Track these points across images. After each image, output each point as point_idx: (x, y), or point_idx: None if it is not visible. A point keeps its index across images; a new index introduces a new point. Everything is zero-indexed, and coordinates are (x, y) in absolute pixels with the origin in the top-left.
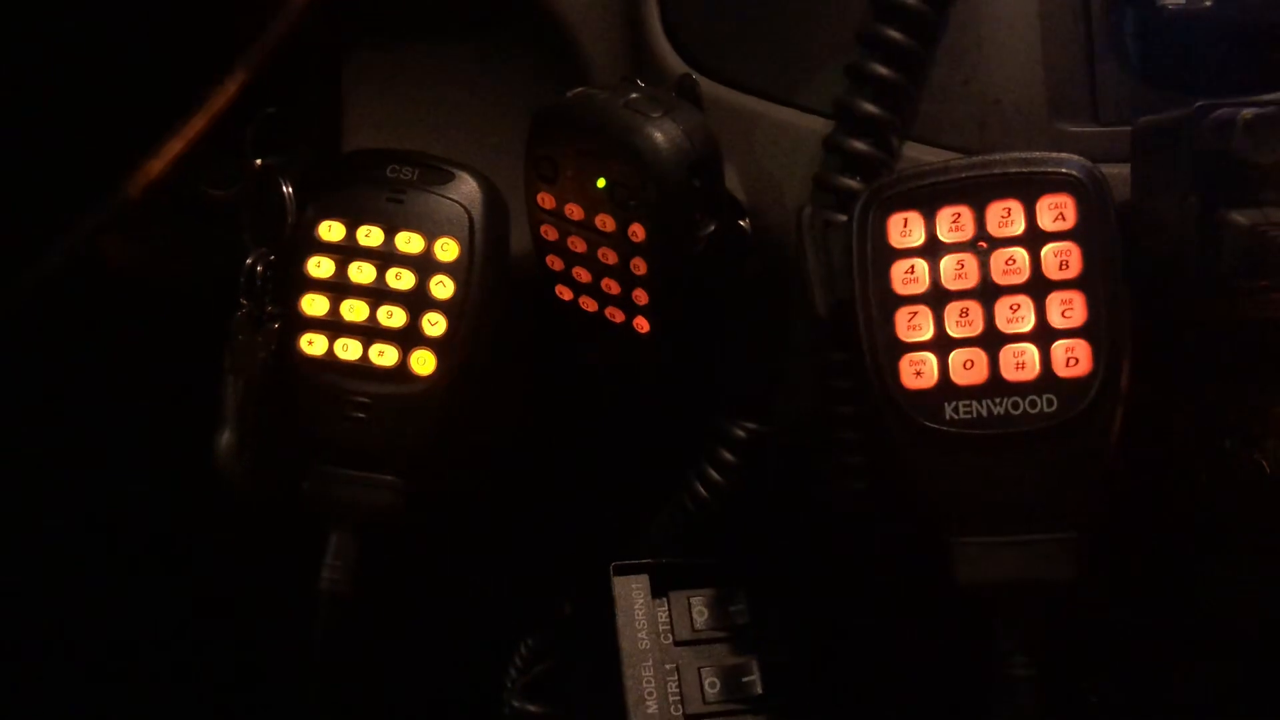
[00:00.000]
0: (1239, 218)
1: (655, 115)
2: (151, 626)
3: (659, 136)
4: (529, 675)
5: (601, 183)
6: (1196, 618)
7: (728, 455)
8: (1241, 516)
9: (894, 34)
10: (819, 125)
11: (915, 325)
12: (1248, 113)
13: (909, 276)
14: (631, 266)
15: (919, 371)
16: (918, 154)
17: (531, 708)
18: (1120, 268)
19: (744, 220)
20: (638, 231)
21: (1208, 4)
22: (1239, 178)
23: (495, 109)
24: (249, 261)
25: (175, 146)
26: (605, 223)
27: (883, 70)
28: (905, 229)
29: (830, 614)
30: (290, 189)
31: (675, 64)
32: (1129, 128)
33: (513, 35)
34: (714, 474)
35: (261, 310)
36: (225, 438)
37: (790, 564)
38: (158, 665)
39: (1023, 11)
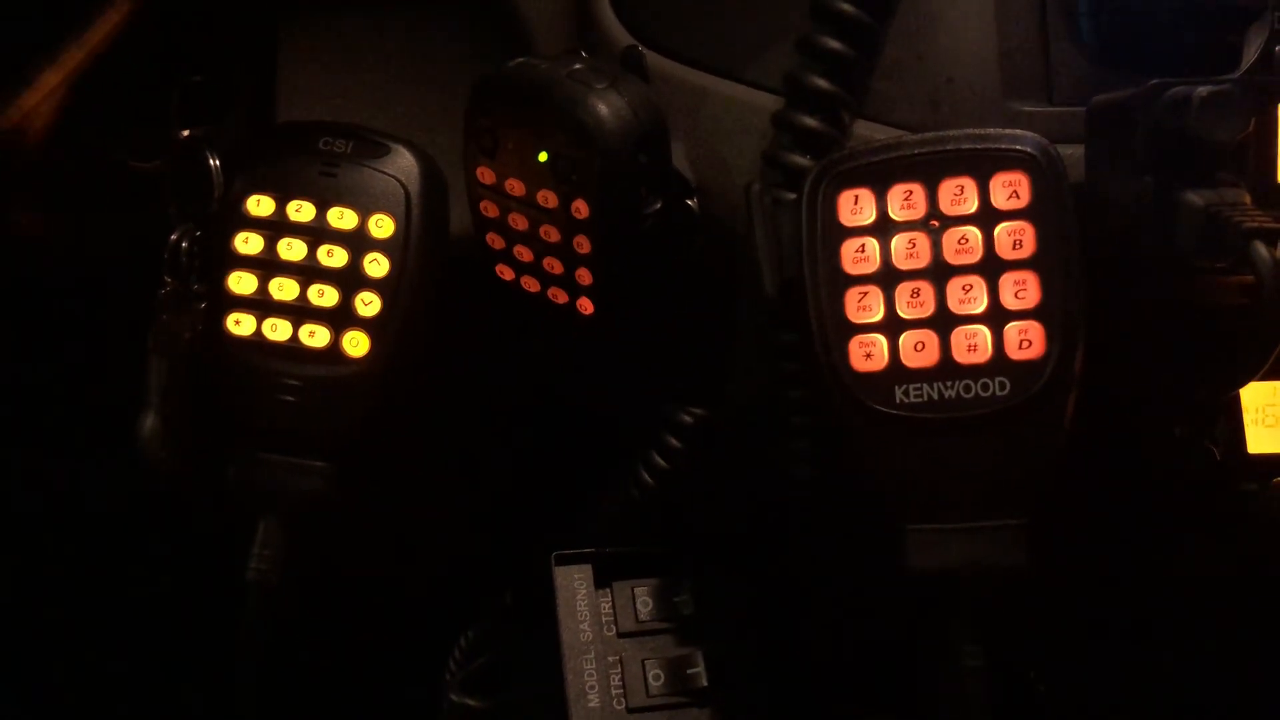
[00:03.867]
0: (1194, 198)
1: (600, 86)
2: (73, 617)
3: (604, 108)
4: (469, 668)
5: (543, 156)
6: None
7: (674, 441)
8: (1193, 502)
9: (846, 7)
10: (768, 101)
11: (865, 306)
12: (1203, 90)
13: (859, 255)
14: (574, 245)
15: (869, 354)
16: (869, 132)
17: (471, 701)
18: (1075, 248)
19: (691, 199)
20: (581, 208)
21: None
22: (1194, 157)
23: (433, 81)
24: (173, 237)
25: (50, 79)
26: (547, 198)
27: (835, 44)
28: (856, 206)
29: (777, 604)
30: (217, 161)
31: (620, 36)
32: (1083, 108)
33: (452, 4)
34: (660, 460)
35: (187, 288)
36: (148, 421)
37: (736, 553)
38: (82, 657)
39: None
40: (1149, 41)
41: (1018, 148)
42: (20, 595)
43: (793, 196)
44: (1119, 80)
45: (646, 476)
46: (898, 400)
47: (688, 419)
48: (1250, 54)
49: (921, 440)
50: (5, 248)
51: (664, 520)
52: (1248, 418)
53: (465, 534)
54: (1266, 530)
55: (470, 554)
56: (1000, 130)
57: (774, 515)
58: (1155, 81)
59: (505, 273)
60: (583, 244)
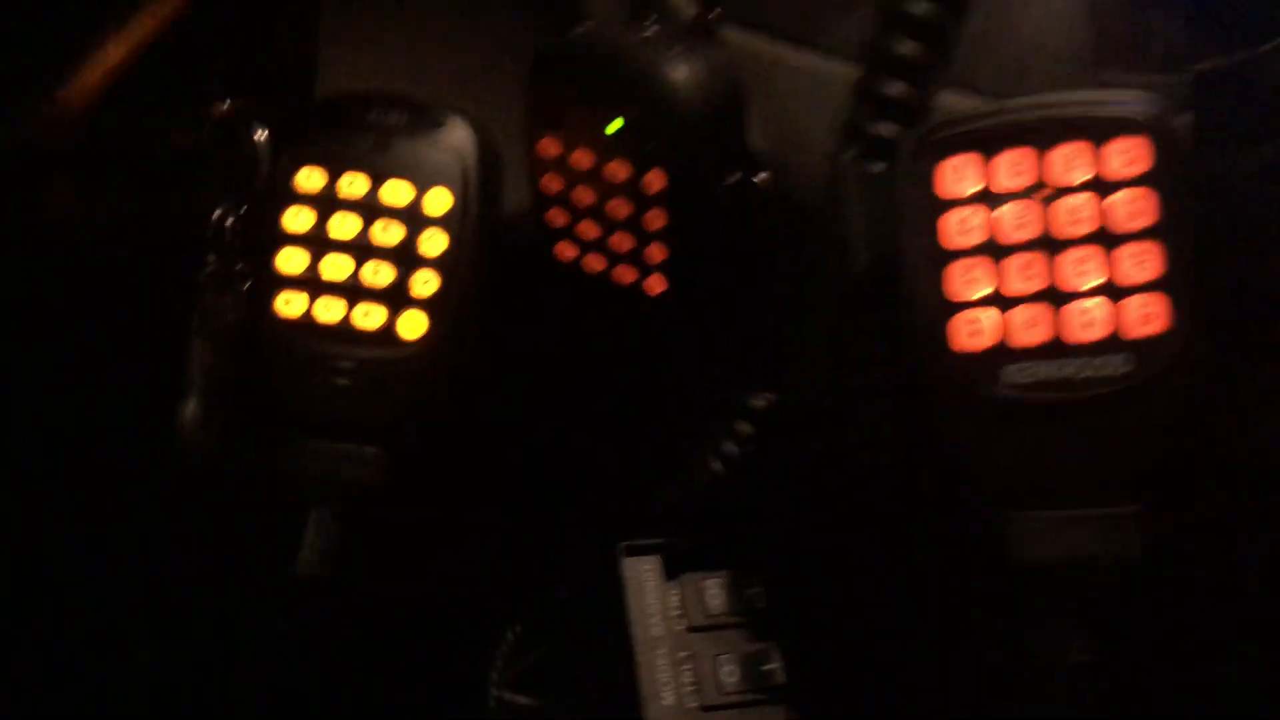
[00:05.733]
0: None
1: (676, 52)
2: (115, 612)
3: (681, 74)
4: (519, 664)
5: (615, 126)
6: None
7: (744, 427)
8: None
9: None
10: (844, 70)
11: (971, 280)
12: None
13: (962, 228)
14: (646, 220)
15: (973, 332)
16: (954, 102)
17: (522, 699)
18: (1195, 216)
19: (762, 172)
20: (655, 180)
21: None
22: None
23: (480, 49)
24: (216, 214)
25: (115, 53)
26: (618, 171)
27: (923, 7)
28: (959, 176)
29: (854, 598)
30: (263, 135)
31: (684, 2)
32: (1176, 76)
33: None
34: (729, 447)
35: (231, 268)
36: (189, 407)
37: (809, 544)
38: (125, 655)
39: None
40: (1245, 5)
41: (1137, 110)
42: (53, 587)
43: (879, 168)
44: (1213, 47)
45: (715, 464)
46: (1004, 381)
47: (760, 404)
48: None
49: (1030, 424)
50: (43, 229)
51: (731, 511)
52: None
53: (518, 525)
54: None
55: (522, 546)
56: (1116, 92)
57: (847, 505)
58: (1274, 44)
59: (566, 251)
60: (656, 219)
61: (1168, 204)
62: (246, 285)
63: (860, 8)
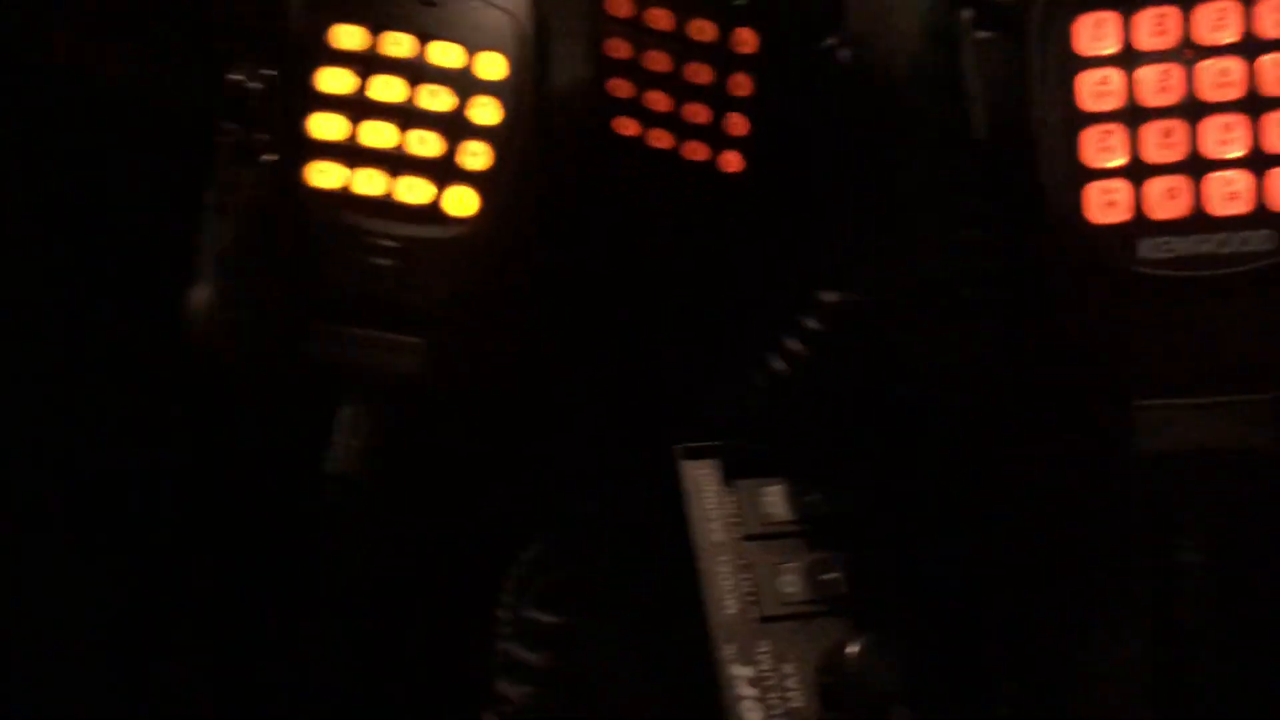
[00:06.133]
0: None
1: None
2: (121, 507)
3: None
4: (545, 580)
5: None
6: None
7: (813, 324)
8: None
9: None
10: None
11: (1107, 147)
12: None
13: (1101, 89)
14: (732, 86)
15: (1111, 202)
16: None
17: (545, 617)
18: None
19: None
20: (747, 40)
21: None
22: None
23: None
24: (234, 78)
25: None
26: (703, 30)
27: None
28: (1098, 33)
29: (922, 507)
30: None
31: None
32: None
33: None
34: (794, 345)
35: (252, 137)
36: (202, 293)
37: (874, 451)
38: (132, 554)
39: None
40: None
41: None
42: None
43: (987, 35)
44: None
45: (778, 363)
46: (1142, 256)
47: (831, 299)
48: None
49: (1167, 302)
50: (46, 78)
51: (795, 414)
52: None
53: (544, 431)
54: None
55: (551, 452)
56: None
57: (921, 408)
58: None
59: (627, 127)
60: (742, 84)
61: None
62: (271, 157)
63: None
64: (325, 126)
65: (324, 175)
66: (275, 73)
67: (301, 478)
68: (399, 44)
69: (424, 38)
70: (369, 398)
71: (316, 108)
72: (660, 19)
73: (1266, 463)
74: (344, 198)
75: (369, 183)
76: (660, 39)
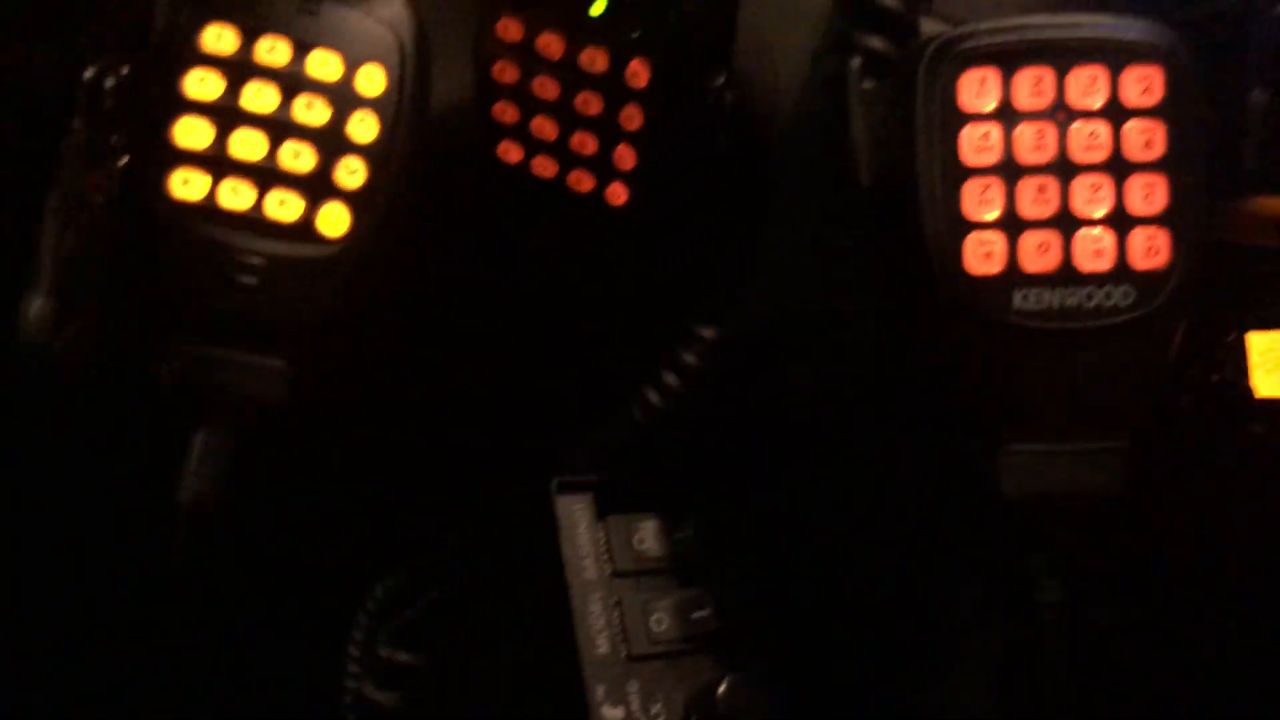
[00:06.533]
0: None
1: None
2: None
3: None
4: (402, 617)
5: (599, 7)
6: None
7: (691, 359)
8: (1228, 443)
9: None
10: None
11: (986, 201)
12: None
13: (982, 144)
14: (622, 118)
15: (988, 253)
16: (929, 29)
17: (404, 656)
18: (1204, 152)
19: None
20: (639, 73)
21: None
22: None
23: None
24: (89, 73)
25: None
26: (595, 60)
27: None
28: (980, 90)
29: (793, 541)
30: None
31: None
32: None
33: None
34: (672, 379)
35: (104, 138)
36: (36, 303)
37: (746, 485)
38: None
39: None
40: None
41: (1153, 39)
42: None
43: (870, 84)
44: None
45: (655, 398)
46: (1016, 307)
47: (708, 335)
48: None
49: (1036, 352)
50: None
51: (668, 447)
52: (1253, 361)
53: (411, 459)
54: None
55: (418, 481)
56: (1133, 19)
57: (794, 442)
58: None
59: (511, 153)
60: (632, 117)
61: (1176, 137)
62: (122, 160)
63: None
64: (191, 134)
65: (187, 186)
66: (135, 70)
67: (148, 506)
68: (275, 50)
69: (302, 46)
70: (227, 422)
71: (182, 112)
72: (551, 47)
73: (1119, 506)
74: (208, 211)
75: (236, 196)
76: (550, 66)
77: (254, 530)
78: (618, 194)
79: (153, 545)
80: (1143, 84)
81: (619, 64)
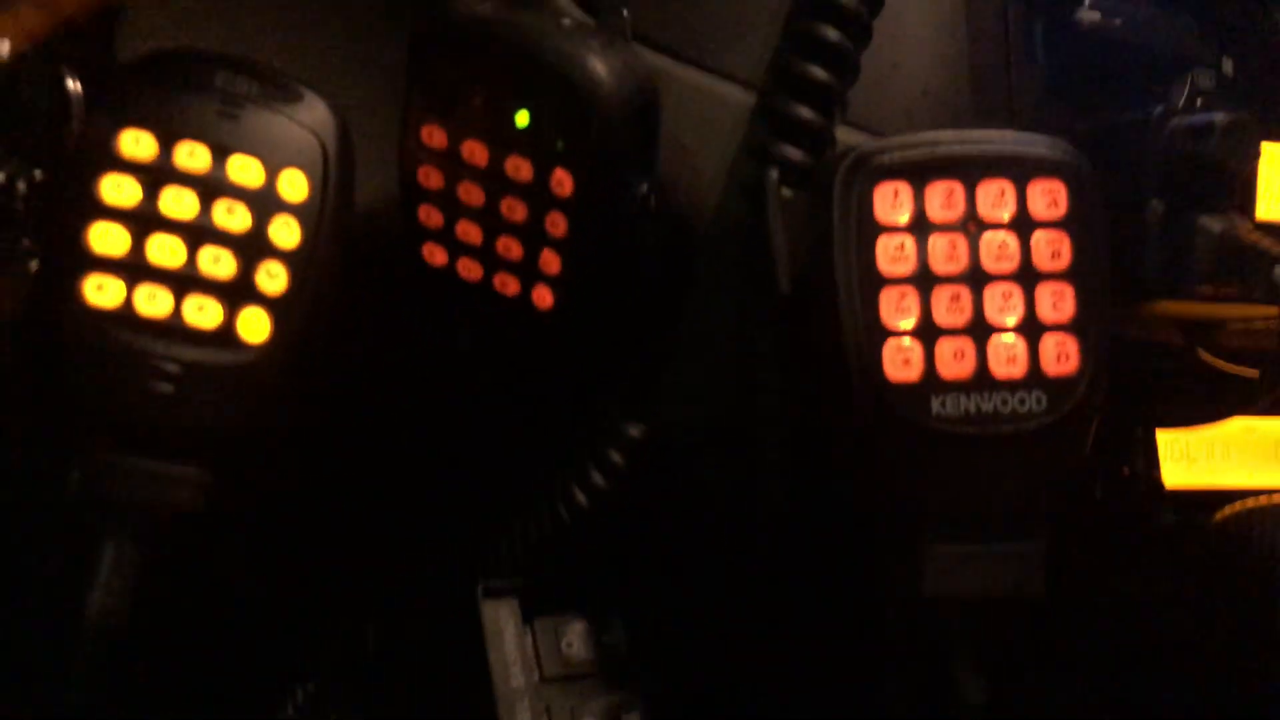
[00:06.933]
0: (1211, 223)
1: (598, 45)
2: None
3: (605, 69)
4: None
5: (524, 118)
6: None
7: (616, 457)
8: (1136, 531)
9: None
10: (736, 92)
11: (902, 309)
12: (1223, 118)
13: (897, 254)
14: (547, 225)
15: (906, 360)
16: (844, 136)
17: None
18: (1107, 262)
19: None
20: (564, 181)
21: (1118, 23)
22: (1207, 183)
23: (314, 21)
24: (1, 177)
25: None
26: (519, 168)
27: (833, 35)
28: (895, 202)
29: (722, 642)
30: (77, 84)
31: (567, 6)
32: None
33: None
34: (597, 478)
35: (14, 243)
36: None
37: (674, 586)
38: None
39: (951, 4)
40: (1099, 76)
41: (1055, 155)
42: None
43: (788, 193)
44: (1069, 111)
45: (581, 497)
46: (934, 412)
47: (633, 433)
48: (1177, 98)
49: (955, 456)
50: None
51: (594, 547)
52: (1163, 453)
53: (331, 559)
54: (1192, 563)
55: (338, 582)
56: (1036, 135)
57: (719, 542)
58: (1160, 108)
59: (436, 255)
60: (557, 224)
61: (1081, 248)
62: (31, 264)
63: (753, 33)
64: (106, 239)
65: (101, 292)
66: (49, 175)
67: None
68: (194, 155)
69: (222, 150)
70: (138, 533)
71: (98, 218)
72: (476, 155)
73: (1036, 605)
74: (123, 317)
75: (153, 302)
76: (475, 173)
77: (168, 637)
78: (544, 297)
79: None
80: (1048, 197)
81: (543, 173)
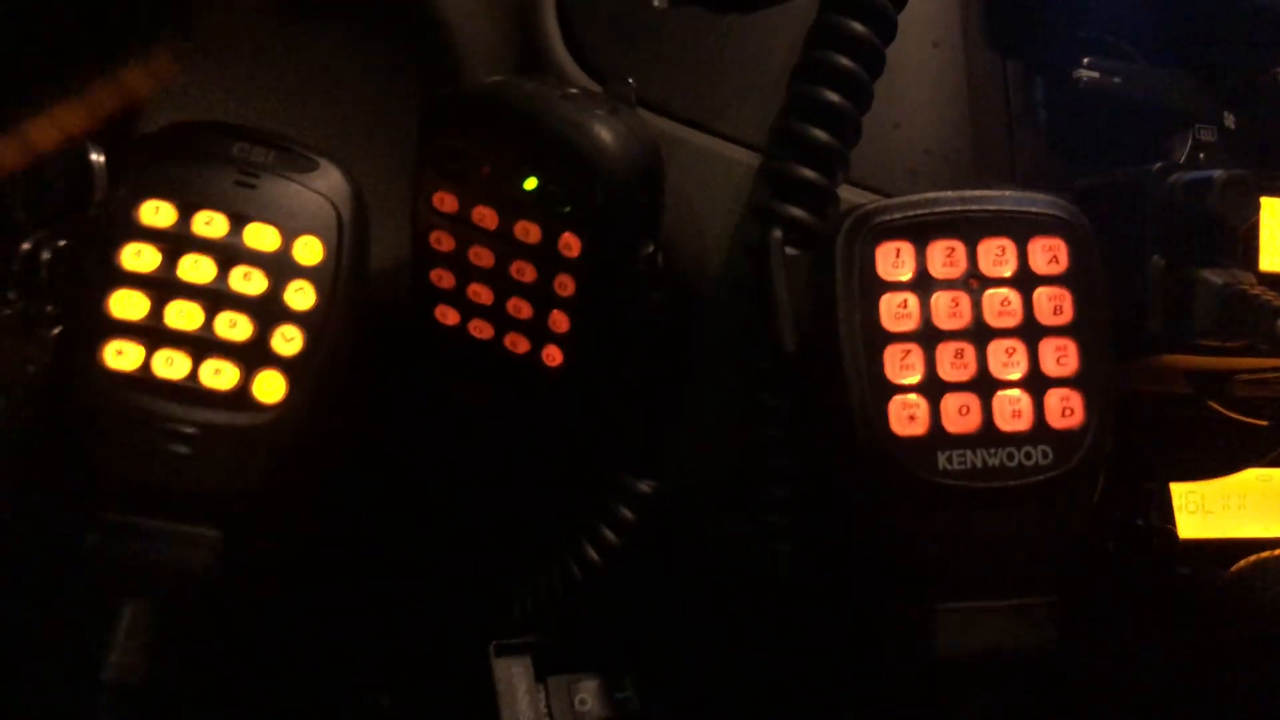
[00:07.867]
0: (1212, 277)
1: (602, 112)
2: None
3: (609, 136)
4: None
5: (531, 184)
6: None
7: (627, 514)
8: (1150, 584)
9: (845, 62)
10: (740, 154)
11: (907, 365)
12: (1222, 174)
13: (901, 312)
14: (556, 286)
15: (911, 416)
16: (849, 195)
17: None
18: (1109, 317)
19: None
20: (571, 244)
21: (1117, 81)
22: (1208, 238)
23: (330, 94)
24: (26, 246)
25: None
26: (528, 232)
27: (834, 97)
28: (897, 260)
29: (733, 698)
30: (101, 156)
31: (576, 75)
32: (1042, 190)
33: (370, 21)
34: (609, 535)
35: (38, 310)
36: None
37: (686, 642)
38: None
39: (951, 64)
40: (1098, 133)
41: (1055, 213)
42: None
43: (793, 252)
44: (1070, 167)
45: (593, 554)
46: (941, 468)
47: (644, 490)
48: (1179, 153)
49: (962, 511)
50: None
51: (606, 605)
52: (1178, 505)
53: (350, 619)
54: (1207, 616)
55: (355, 643)
56: (1036, 194)
57: (729, 599)
58: (1159, 165)
59: (448, 316)
60: (565, 285)
61: (1081, 304)
62: (54, 331)
63: (756, 97)
64: (126, 305)
65: (121, 356)
66: (71, 244)
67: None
68: (212, 224)
69: (239, 219)
70: (154, 595)
71: (118, 285)
72: (486, 219)
73: (1048, 660)
74: (141, 381)
75: (170, 366)
76: (485, 236)
77: (185, 698)
78: (553, 355)
79: None
80: (1048, 254)
81: (551, 236)
